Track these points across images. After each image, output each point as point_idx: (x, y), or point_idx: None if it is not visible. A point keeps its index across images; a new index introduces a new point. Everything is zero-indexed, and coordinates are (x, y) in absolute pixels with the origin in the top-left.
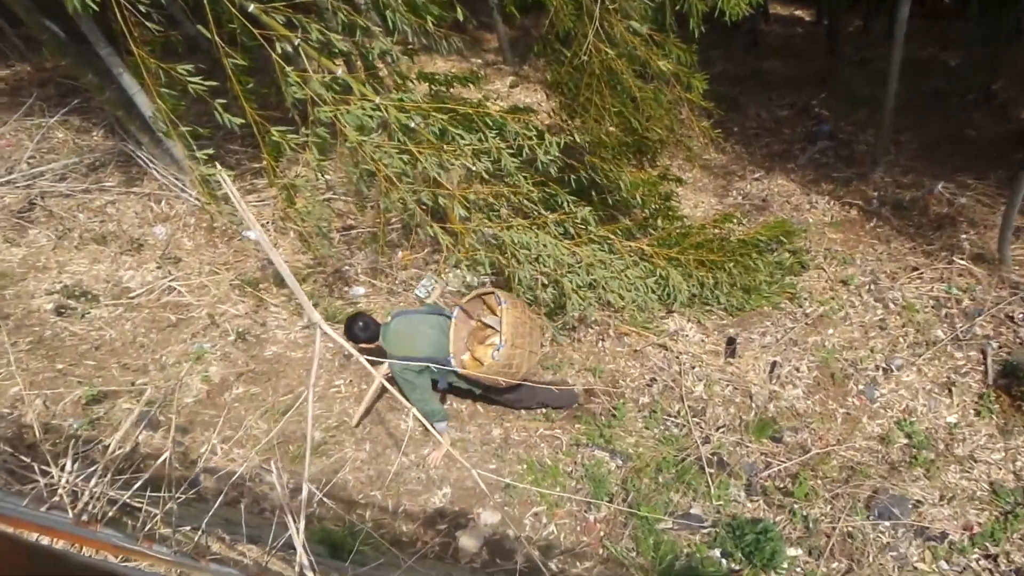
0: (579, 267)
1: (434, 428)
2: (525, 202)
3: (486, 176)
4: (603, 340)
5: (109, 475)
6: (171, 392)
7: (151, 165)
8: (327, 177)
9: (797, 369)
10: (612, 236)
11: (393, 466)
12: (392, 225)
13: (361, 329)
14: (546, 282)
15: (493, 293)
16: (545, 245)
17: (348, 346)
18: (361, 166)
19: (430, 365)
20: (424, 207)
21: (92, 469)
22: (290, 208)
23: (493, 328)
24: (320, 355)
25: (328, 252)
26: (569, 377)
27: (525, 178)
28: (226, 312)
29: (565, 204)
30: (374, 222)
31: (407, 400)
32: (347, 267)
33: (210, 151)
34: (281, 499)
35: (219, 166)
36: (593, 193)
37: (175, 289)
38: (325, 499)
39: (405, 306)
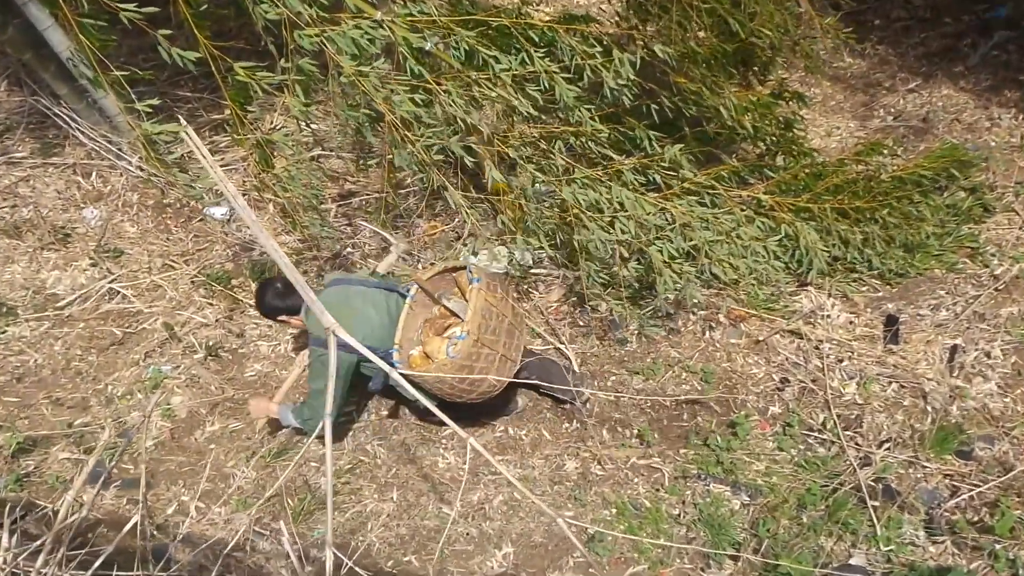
0: (671, 229)
1: (288, 420)
2: (590, 145)
3: (534, 113)
4: (711, 330)
5: (62, 551)
6: (127, 432)
7: (74, 126)
8: (315, 128)
9: (987, 354)
10: (715, 183)
11: (431, 519)
12: (408, 187)
13: (277, 295)
14: (626, 253)
15: (465, 268)
16: (622, 202)
17: (362, 349)
18: (361, 109)
19: (362, 356)
20: (449, 161)
21: (36, 545)
22: (266, 173)
23: (457, 316)
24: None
25: (321, 230)
26: (669, 382)
27: (589, 111)
28: (189, 320)
29: (646, 143)
30: (382, 185)
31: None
32: (348, 249)
33: (154, 101)
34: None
35: (182, 120)
36: (684, 126)
37: (118, 293)
38: (357, 569)
39: (346, 274)
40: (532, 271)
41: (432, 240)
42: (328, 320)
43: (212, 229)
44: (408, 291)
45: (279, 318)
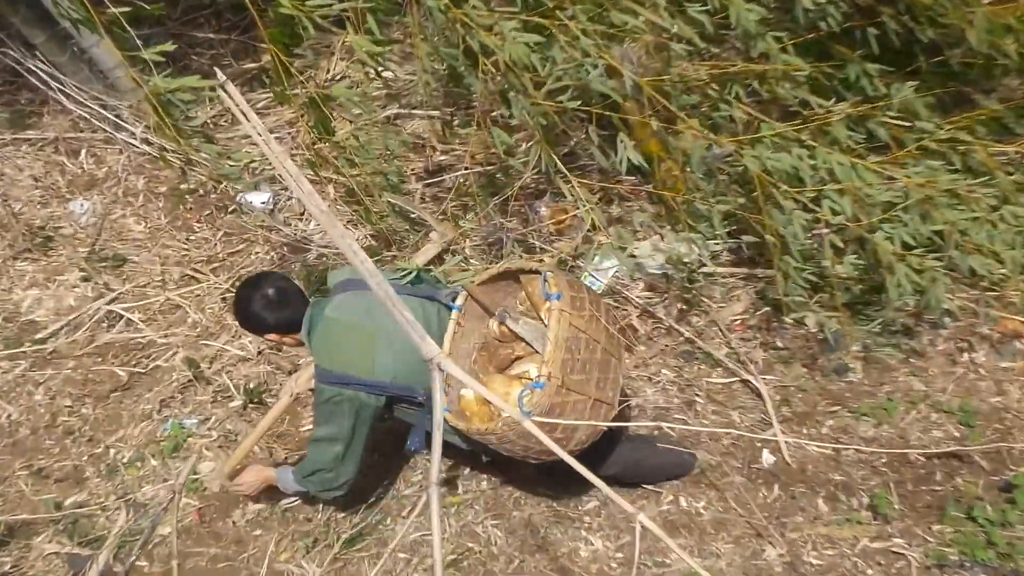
0: (904, 207)
1: (290, 485)
2: (782, 88)
3: (700, 45)
4: (969, 350)
5: None
6: (138, 510)
7: (55, 86)
8: (389, 77)
9: None
10: (967, 137)
11: None
12: (525, 155)
13: (268, 305)
14: (840, 243)
15: (540, 273)
16: (831, 169)
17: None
18: (455, 50)
19: (388, 395)
20: (581, 119)
21: None
22: (324, 142)
23: (528, 345)
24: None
25: (399, 221)
26: (911, 428)
27: (779, 41)
28: (221, 354)
29: (864, 83)
30: (486, 155)
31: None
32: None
33: (166, 47)
34: None
35: (219, 74)
36: (918, 56)
37: (121, 318)
38: None
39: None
40: (703, 272)
41: (559, 229)
42: (430, 349)
43: (250, 224)
44: (454, 300)
45: (268, 336)
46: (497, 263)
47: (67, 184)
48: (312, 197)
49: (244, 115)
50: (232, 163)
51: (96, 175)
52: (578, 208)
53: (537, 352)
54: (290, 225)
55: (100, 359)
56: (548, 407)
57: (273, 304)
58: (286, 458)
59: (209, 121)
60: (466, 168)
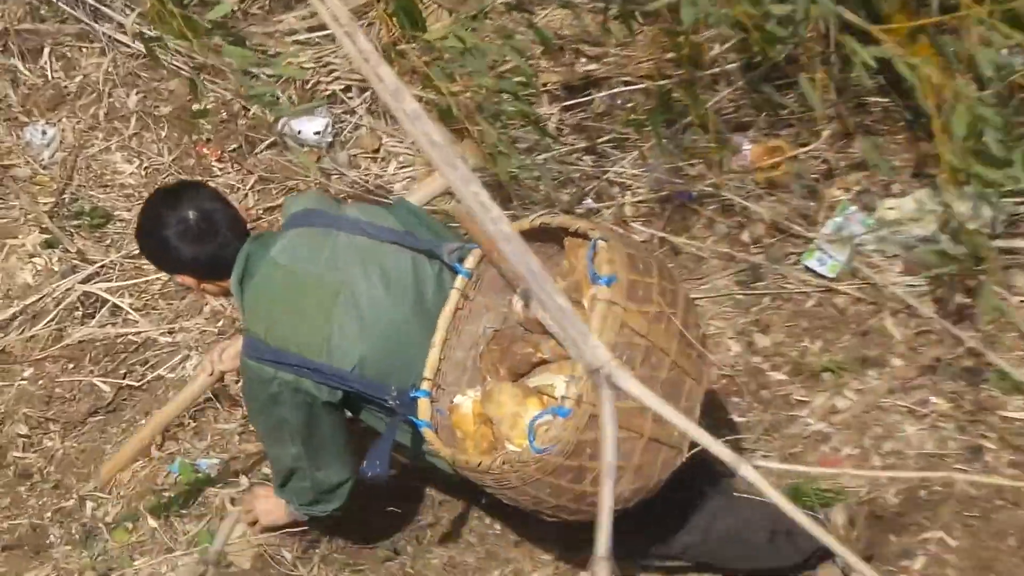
0: None
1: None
2: None
3: None
4: None
5: None
6: None
7: None
8: None
9: None
10: None
11: None
12: (720, 66)
13: (187, 234)
14: None
15: (585, 235)
16: None
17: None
18: None
19: (346, 390)
20: None
21: None
22: (412, 41)
23: (559, 344)
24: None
25: (522, 163)
26: None
27: None
28: None
29: None
30: (658, 64)
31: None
32: (587, 199)
33: None
34: None
35: None
36: None
37: (104, 304)
38: None
39: (329, 202)
40: (996, 245)
41: (775, 179)
42: (595, 353)
43: (298, 164)
44: (461, 260)
45: (180, 278)
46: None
47: (21, 101)
48: (420, 121)
49: None
50: (269, 76)
51: (65, 88)
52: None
53: (570, 358)
54: (358, 167)
55: (72, 365)
56: (573, 445)
57: (193, 232)
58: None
59: (237, 8)
60: (626, 82)
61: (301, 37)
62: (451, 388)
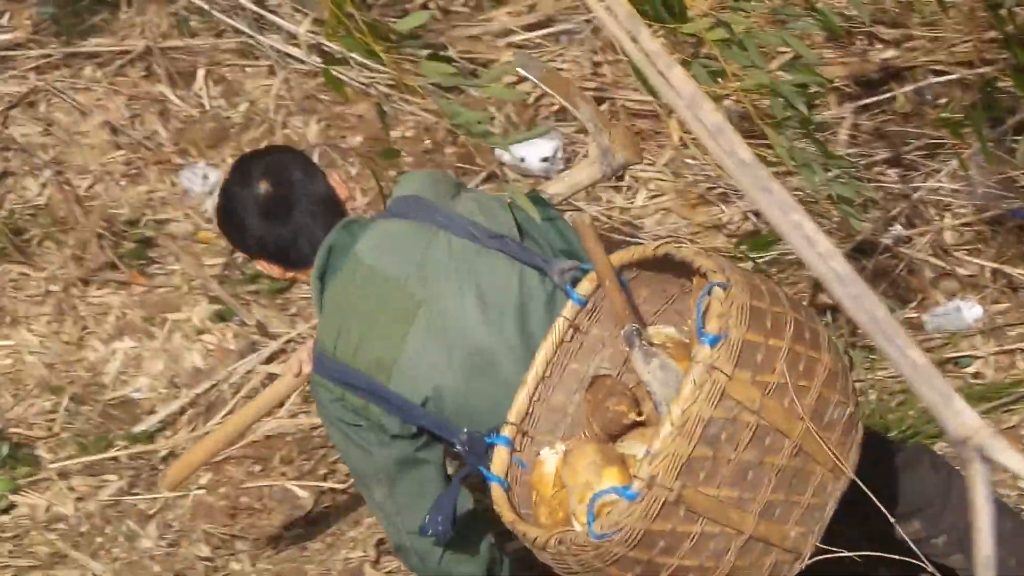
0: None
1: None
2: None
3: None
4: None
5: None
6: None
7: None
8: None
9: None
10: None
11: None
12: None
13: (257, 211)
14: None
15: (707, 271)
16: None
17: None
18: None
19: (413, 421)
20: None
21: None
22: (668, 30)
23: (654, 402)
24: None
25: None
26: None
27: None
28: None
29: None
30: (976, 46)
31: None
32: (896, 224)
33: None
34: None
35: None
36: None
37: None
38: None
39: (432, 184)
40: None
41: None
42: (962, 421)
43: None
44: (575, 283)
45: (259, 264)
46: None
47: (174, 139)
48: (723, 135)
49: None
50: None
51: (228, 119)
52: None
53: (662, 418)
54: (599, 199)
55: (260, 467)
56: (639, 535)
57: (263, 209)
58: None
59: (437, 10)
60: (937, 72)
61: (518, 38)
62: (543, 437)
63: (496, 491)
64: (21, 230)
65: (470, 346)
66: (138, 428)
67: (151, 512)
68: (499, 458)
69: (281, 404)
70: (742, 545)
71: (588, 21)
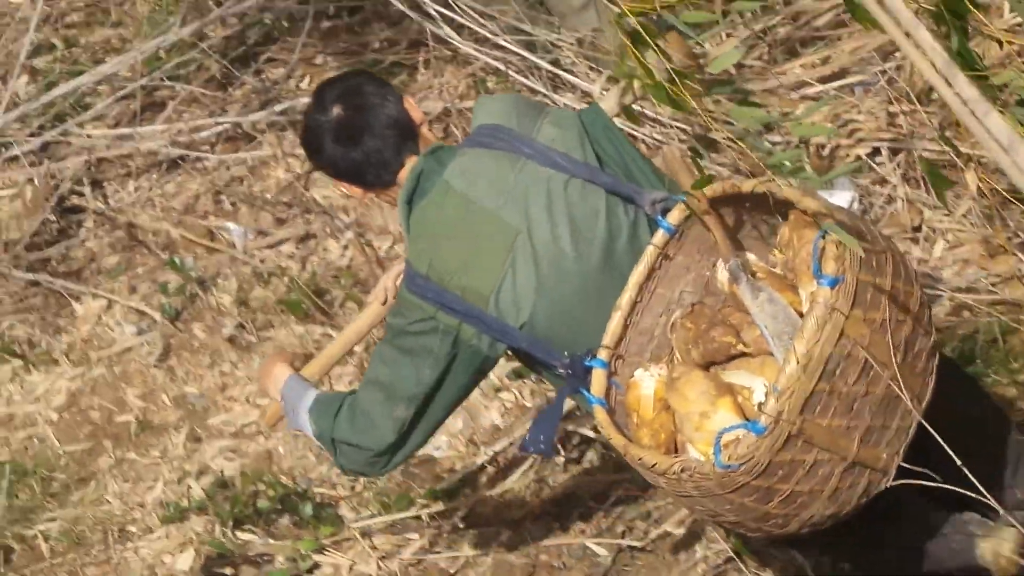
0: None
1: (300, 423)
2: None
3: None
4: None
5: None
6: None
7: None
8: None
9: None
10: None
11: None
12: None
13: (334, 134)
14: None
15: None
16: None
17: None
18: None
19: (512, 346)
20: None
21: None
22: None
23: (764, 336)
24: None
25: None
26: None
27: None
28: None
29: None
30: None
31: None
32: None
33: None
34: None
35: None
36: None
37: (588, 442)
38: None
39: (514, 110)
40: None
41: None
42: None
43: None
44: (665, 213)
45: (343, 186)
46: None
47: None
48: None
49: None
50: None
51: None
52: None
53: (772, 355)
54: (907, 252)
55: (558, 524)
56: (764, 466)
57: (337, 131)
58: None
59: (746, 62)
60: None
61: (812, 91)
62: (633, 359)
63: (600, 413)
64: (323, 291)
65: (564, 273)
66: (439, 486)
67: (453, 571)
68: (598, 380)
69: (367, 335)
70: (845, 468)
71: (883, 72)
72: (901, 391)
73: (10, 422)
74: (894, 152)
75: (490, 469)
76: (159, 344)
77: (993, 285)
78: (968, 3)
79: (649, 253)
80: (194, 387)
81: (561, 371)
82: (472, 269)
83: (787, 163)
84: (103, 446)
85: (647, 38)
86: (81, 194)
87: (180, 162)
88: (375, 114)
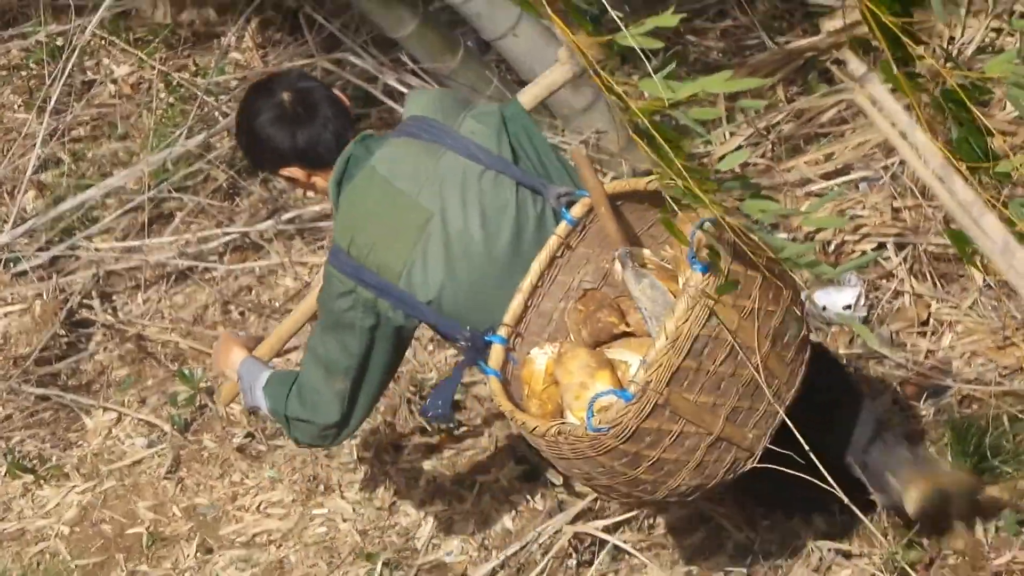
0: None
1: (255, 400)
2: None
3: None
4: None
5: None
6: None
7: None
8: None
9: None
10: None
11: None
12: None
13: (282, 119)
14: None
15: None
16: None
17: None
18: None
19: (419, 317)
20: None
21: None
22: (983, 172)
23: (644, 320)
24: None
25: None
26: None
27: None
28: None
29: None
30: None
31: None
32: None
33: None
34: None
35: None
36: None
37: (601, 544)
38: None
39: (436, 101)
40: None
41: None
42: None
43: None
44: (569, 206)
45: (285, 171)
46: None
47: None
48: None
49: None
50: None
51: None
52: None
53: (651, 335)
54: (903, 346)
55: None
56: (631, 431)
57: (289, 114)
58: None
59: (751, 160)
60: None
61: (816, 187)
62: (532, 338)
63: (494, 383)
64: None
65: (471, 256)
66: None
67: None
68: (495, 354)
69: (311, 315)
70: (711, 443)
71: (886, 168)
72: (759, 377)
73: (22, 537)
74: (900, 247)
75: (502, 573)
76: (169, 456)
77: (1002, 376)
78: (963, 95)
79: (551, 242)
80: (204, 498)
81: (462, 343)
82: (388, 247)
83: (798, 256)
84: (115, 559)
85: (658, 137)
86: (90, 307)
87: (188, 273)
88: (319, 94)
